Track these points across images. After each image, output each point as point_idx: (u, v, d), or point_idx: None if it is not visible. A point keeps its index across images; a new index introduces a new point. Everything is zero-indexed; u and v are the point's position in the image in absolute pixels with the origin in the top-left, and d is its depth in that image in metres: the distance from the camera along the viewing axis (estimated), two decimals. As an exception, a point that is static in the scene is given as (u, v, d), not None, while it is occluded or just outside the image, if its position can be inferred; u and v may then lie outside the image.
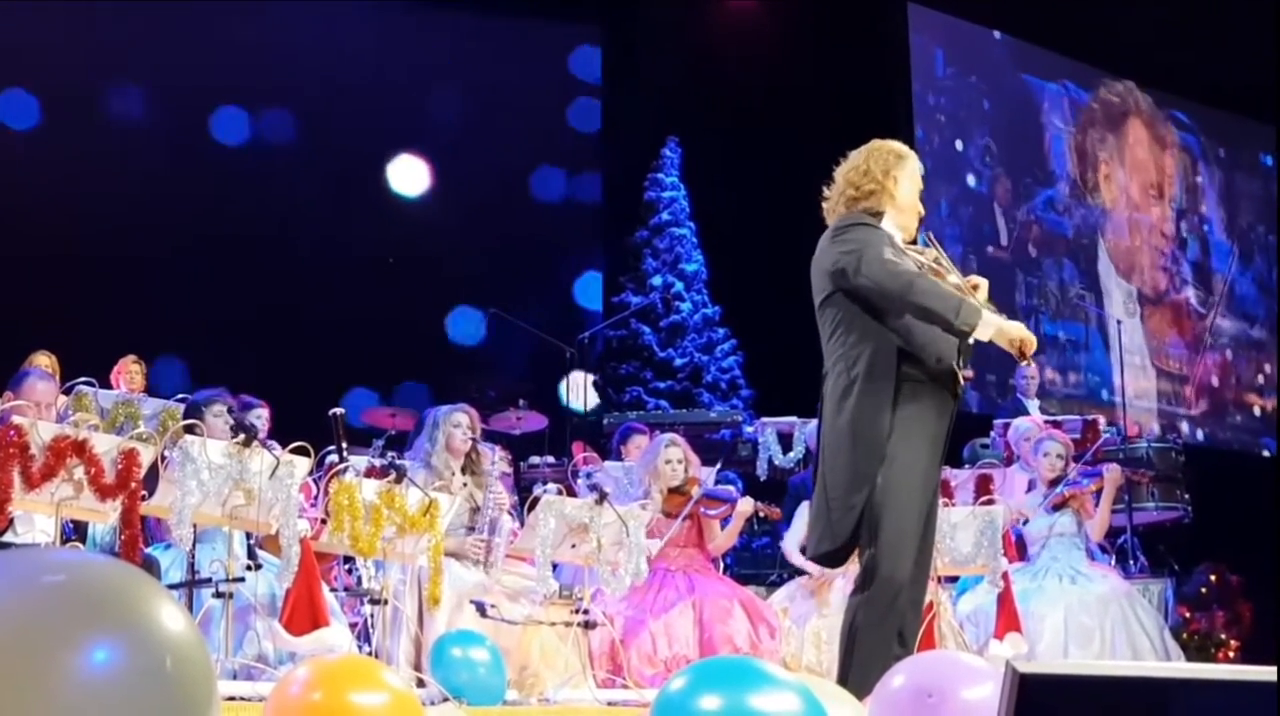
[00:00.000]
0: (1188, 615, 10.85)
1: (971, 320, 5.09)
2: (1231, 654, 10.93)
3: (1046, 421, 10.57)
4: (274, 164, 13.71)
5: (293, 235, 13.46)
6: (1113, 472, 9.04)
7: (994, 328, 5.13)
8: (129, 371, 9.61)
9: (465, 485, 7.62)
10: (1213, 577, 11.27)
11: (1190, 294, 17.52)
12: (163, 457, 5.84)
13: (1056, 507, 8.82)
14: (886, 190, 5.36)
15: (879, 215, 5.34)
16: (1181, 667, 5.04)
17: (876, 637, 5.08)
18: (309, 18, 13.94)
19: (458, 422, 7.71)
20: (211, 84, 13.45)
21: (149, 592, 2.08)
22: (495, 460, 7.93)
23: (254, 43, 13.49)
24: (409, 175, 14.54)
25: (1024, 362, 5.24)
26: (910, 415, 5.12)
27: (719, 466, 9.59)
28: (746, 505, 8.20)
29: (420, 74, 14.56)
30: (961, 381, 5.26)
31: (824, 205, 5.49)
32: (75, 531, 6.74)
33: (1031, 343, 5.20)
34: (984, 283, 5.46)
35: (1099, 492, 8.95)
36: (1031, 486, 9.12)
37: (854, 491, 5.10)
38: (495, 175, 14.55)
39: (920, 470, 5.13)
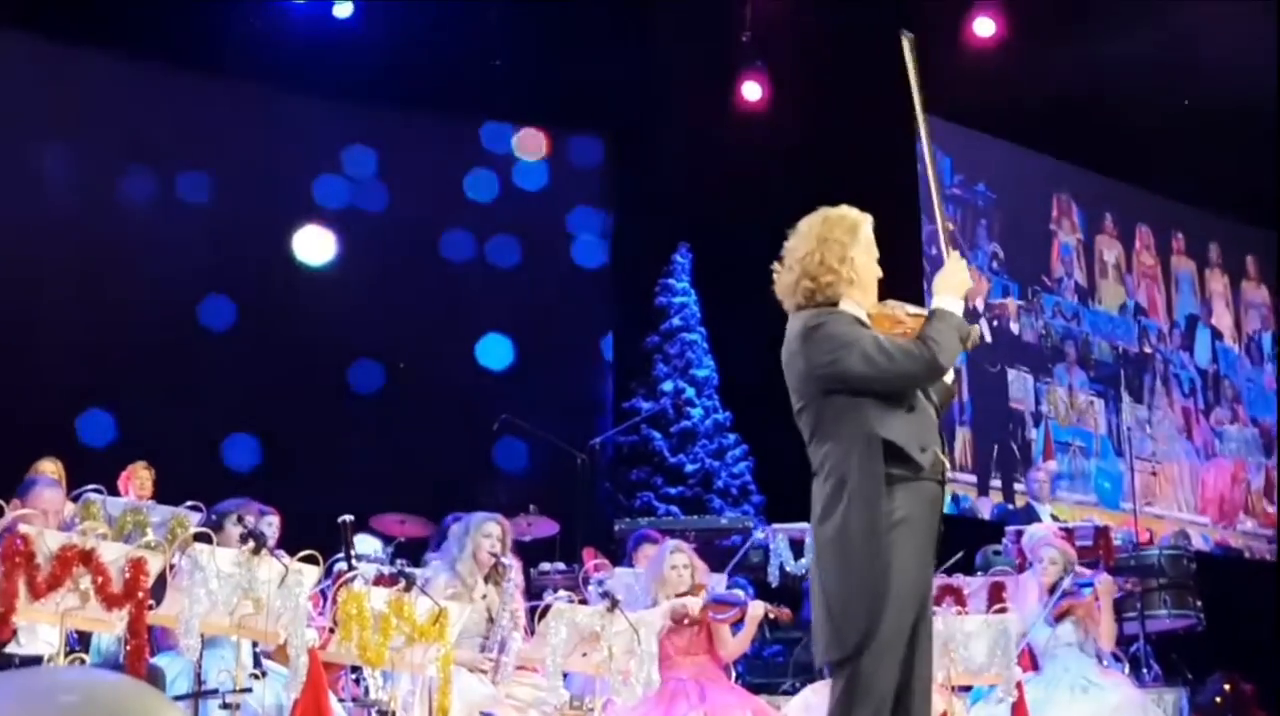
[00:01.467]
0: (1203, 724, 10.73)
1: (964, 323, 5.12)
2: (1248, 762, 10.83)
3: (1060, 529, 10.52)
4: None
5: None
6: (1104, 582, 9.00)
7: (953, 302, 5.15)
8: (139, 477, 9.60)
9: (485, 596, 7.58)
10: (1227, 686, 11.14)
11: (1199, 399, 17.50)
12: (171, 566, 5.80)
13: (1058, 618, 8.76)
14: (843, 278, 5.10)
15: (837, 302, 5.11)
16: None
17: None
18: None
19: (488, 533, 7.70)
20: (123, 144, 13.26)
21: (161, 710, 2.05)
22: (513, 577, 7.88)
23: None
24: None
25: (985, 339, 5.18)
26: (901, 517, 4.90)
27: (730, 571, 9.54)
28: (758, 608, 8.13)
29: (432, 184, 14.64)
30: (946, 466, 5.11)
31: (776, 283, 5.22)
32: (79, 641, 6.70)
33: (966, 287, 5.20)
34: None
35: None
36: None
37: (857, 600, 4.86)
38: (507, 277, 14.64)
39: (911, 577, 4.90)
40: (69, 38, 12.71)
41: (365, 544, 9.39)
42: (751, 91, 15.08)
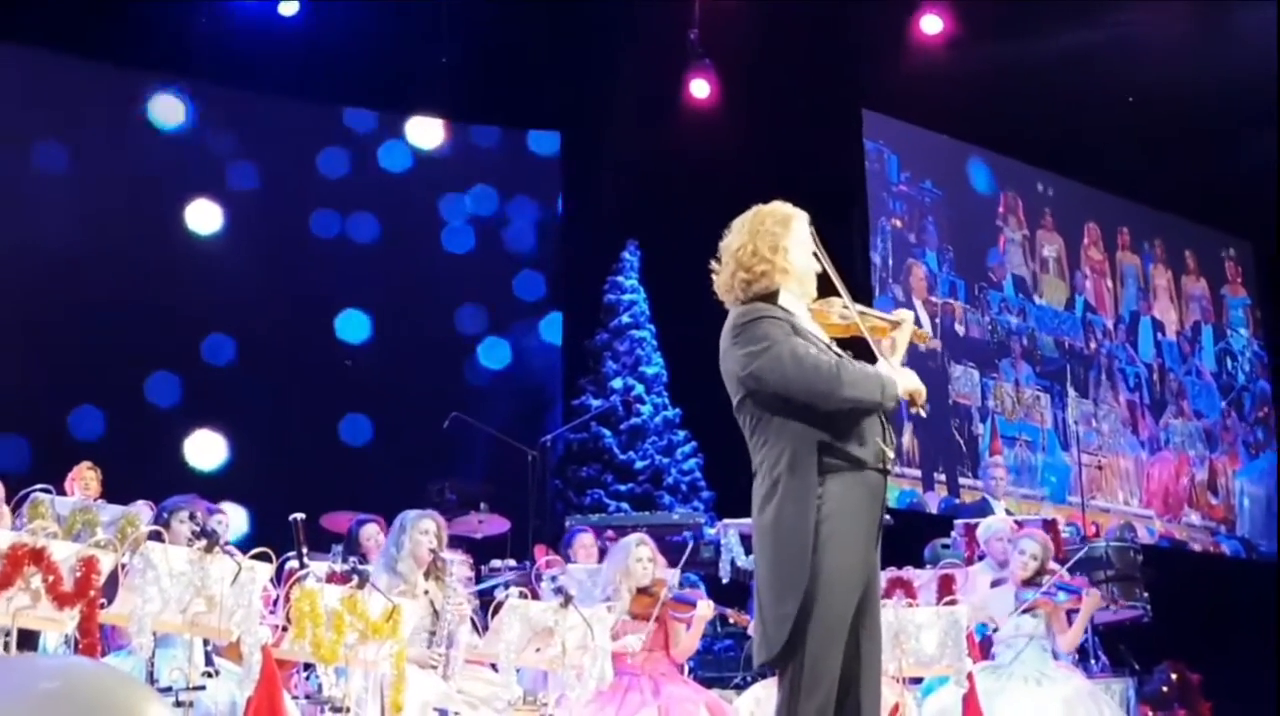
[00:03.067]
0: (1150, 714, 10.82)
1: (894, 391, 5.05)
2: (1193, 753, 10.93)
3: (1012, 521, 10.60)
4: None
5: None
6: (1093, 596, 9.08)
7: (905, 382, 5.12)
8: (83, 477, 9.54)
9: (427, 592, 7.59)
10: (1173, 676, 11.25)
11: (1144, 394, 17.63)
12: (122, 565, 5.77)
13: (1026, 611, 8.81)
14: (777, 267, 5.15)
15: (775, 293, 5.16)
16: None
17: None
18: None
19: (425, 530, 7.70)
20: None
21: (142, 697, 2.07)
22: (454, 570, 7.88)
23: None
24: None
25: (915, 409, 5.19)
26: (837, 510, 4.91)
27: (681, 568, 9.57)
28: (706, 610, 8.17)
29: (379, 176, 14.64)
30: (889, 456, 5.09)
31: (715, 283, 5.28)
32: (21, 642, 6.65)
33: (921, 392, 5.14)
34: (909, 316, 5.40)
35: (1074, 609, 8.99)
36: (995, 585, 9.12)
37: (785, 600, 4.87)
38: (455, 277, 14.63)
39: (846, 567, 4.90)
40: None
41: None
42: (699, 89, 15.11)
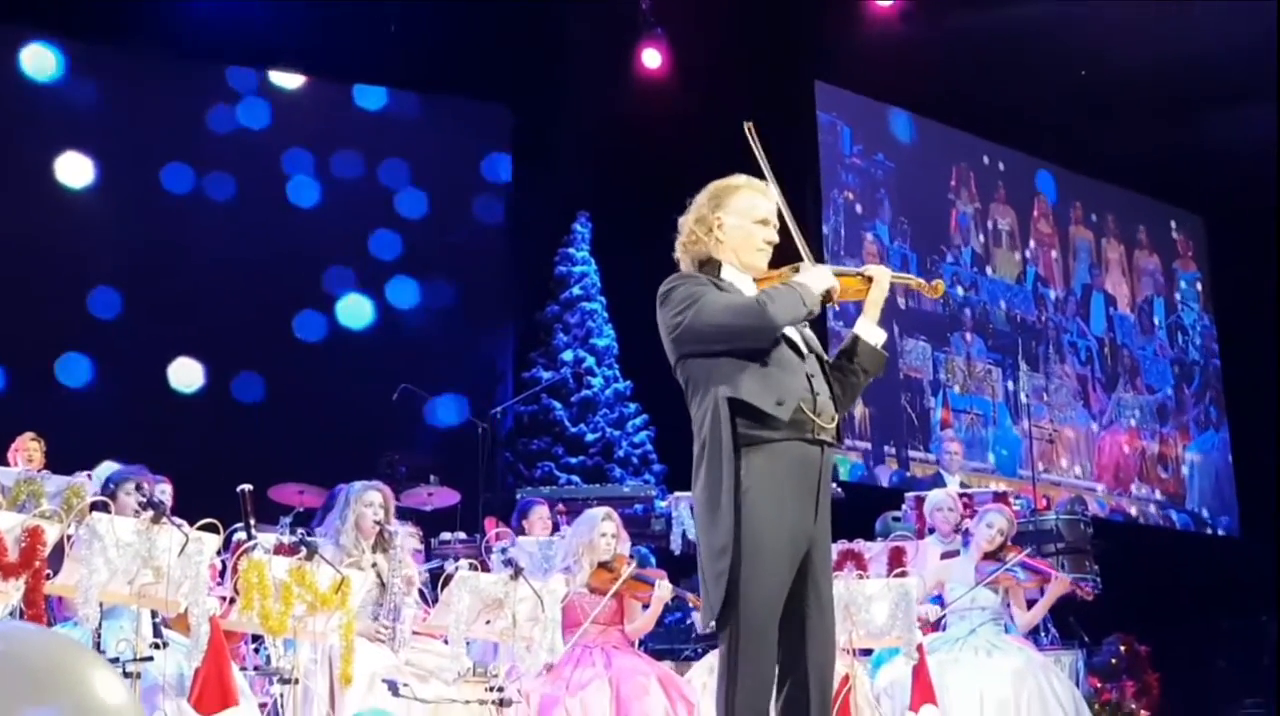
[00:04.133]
0: (1098, 685, 10.87)
1: (814, 293, 5.04)
2: (1141, 724, 10.98)
3: (960, 495, 10.62)
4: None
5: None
6: (1061, 581, 9.12)
7: (818, 285, 5.09)
8: (27, 448, 9.46)
9: (374, 564, 7.55)
10: (1122, 648, 11.29)
11: (1096, 368, 17.71)
12: (68, 535, 5.71)
13: (990, 585, 8.83)
14: (714, 236, 5.17)
15: (716, 264, 5.19)
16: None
17: (739, 713, 4.82)
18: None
19: (370, 502, 7.64)
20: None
21: (88, 662, 2.02)
22: (401, 542, 7.84)
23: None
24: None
25: (833, 304, 5.17)
26: (755, 479, 4.88)
27: (631, 541, 9.56)
28: (665, 590, 8.14)
29: (325, 144, 14.52)
30: (821, 425, 5.01)
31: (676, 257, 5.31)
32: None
33: (835, 287, 5.11)
34: (883, 272, 5.32)
35: (1039, 589, 9.03)
36: (945, 557, 9.15)
37: (715, 561, 4.87)
38: (402, 250, 14.54)
39: (769, 537, 4.86)
40: None
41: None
42: (651, 59, 15.08)
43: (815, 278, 5.12)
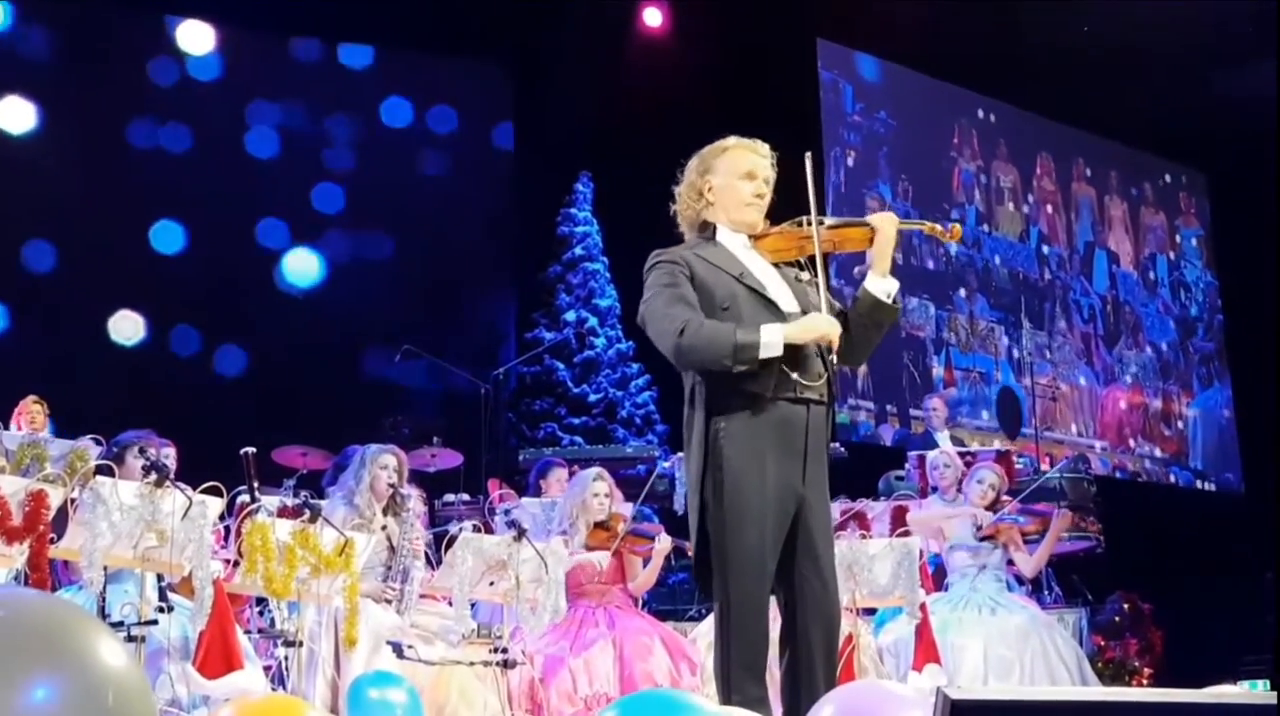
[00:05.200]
0: (1102, 643, 10.90)
1: (749, 355, 4.90)
2: (1145, 681, 11.00)
3: (960, 452, 10.62)
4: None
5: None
6: (1063, 516, 9.13)
7: (788, 335, 4.96)
8: (30, 411, 9.44)
9: (384, 527, 7.56)
10: (1125, 606, 11.32)
11: (1098, 325, 17.70)
12: (72, 499, 5.71)
13: (985, 539, 8.86)
14: (704, 199, 5.24)
15: (711, 227, 5.25)
16: (1108, 692, 5.05)
17: (735, 675, 4.87)
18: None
19: (385, 464, 7.67)
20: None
21: (89, 628, 2.02)
22: (412, 506, 7.86)
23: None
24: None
25: (831, 353, 5.03)
26: (734, 436, 4.93)
27: (639, 501, 9.57)
28: (665, 543, 8.18)
29: (325, 107, 14.45)
30: (801, 383, 5.01)
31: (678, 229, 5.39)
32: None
33: (830, 335, 4.99)
34: (888, 220, 5.22)
35: (1040, 532, 9.04)
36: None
37: (700, 518, 4.98)
38: (406, 210, 14.46)
39: (751, 496, 4.90)
40: None
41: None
42: (652, 17, 15.04)
43: (806, 328, 5.03)
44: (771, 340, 4.92)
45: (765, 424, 4.97)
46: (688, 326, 4.98)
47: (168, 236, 13.62)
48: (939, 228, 5.42)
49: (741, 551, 4.88)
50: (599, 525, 8.09)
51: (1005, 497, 9.20)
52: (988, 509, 8.95)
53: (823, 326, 4.99)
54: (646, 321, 5.13)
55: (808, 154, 5.27)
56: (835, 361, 5.10)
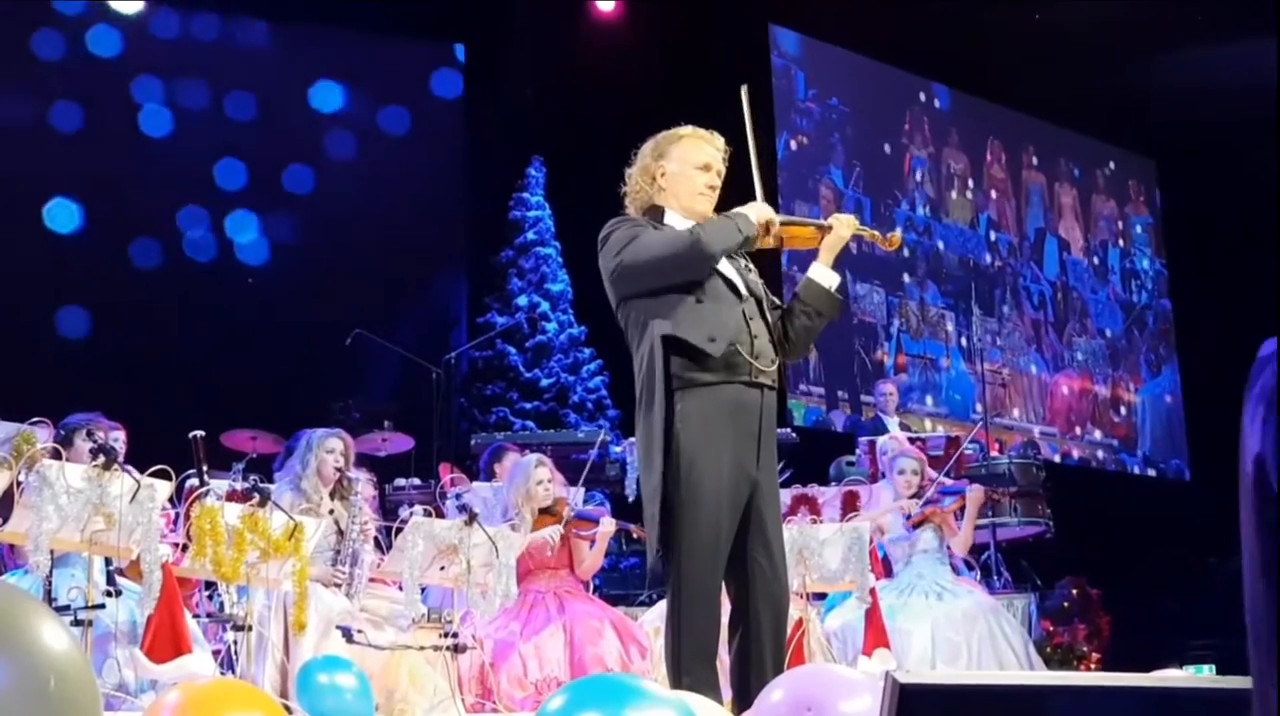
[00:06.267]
0: (1051, 628, 10.96)
1: (751, 219, 5.09)
2: (1092, 666, 11.07)
3: (909, 438, 10.67)
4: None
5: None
6: (975, 492, 9.16)
7: (759, 214, 5.14)
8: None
9: (332, 511, 7.54)
10: (1074, 591, 11.38)
11: (1049, 312, 17.78)
12: (18, 482, 5.67)
13: (917, 526, 8.90)
14: (657, 184, 5.25)
15: (660, 211, 5.25)
16: (1055, 676, 5.08)
17: (685, 659, 4.89)
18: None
19: (330, 448, 7.64)
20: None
21: (30, 611, 2.00)
22: (360, 489, 7.83)
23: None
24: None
25: (779, 248, 5.21)
26: (691, 418, 4.93)
27: (585, 486, 9.57)
28: (609, 526, 8.18)
29: (276, 89, 14.36)
30: (755, 366, 5.04)
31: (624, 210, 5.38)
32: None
33: (767, 212, 5.16)
34: (845, 221, 5.30)
35: (962, 510, 9.06)
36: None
37: (650, 504, 4.95)
38: (358, 193, 14.38)
39: (706, 479, 4.90)
40: None
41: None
42: (605, 2, 15.00)
43: (752, 208, 5.16)
44: (747, 213, 5.11)
45: (722, 405, 4.98)
46: (692, 229, 5.06)
47: (65, 216, 13.42)
48: (879, 235, 5.46)
49: (696, 535, 4.89)
50: (544, 511, 8.09)
51: (930, 473, 9.26)
52: (914, 495, 8.99)
53: (763, 209, 5.19)
54: (637, 255, 5.05)
55: (744, 86, 5.35)
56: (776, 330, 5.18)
